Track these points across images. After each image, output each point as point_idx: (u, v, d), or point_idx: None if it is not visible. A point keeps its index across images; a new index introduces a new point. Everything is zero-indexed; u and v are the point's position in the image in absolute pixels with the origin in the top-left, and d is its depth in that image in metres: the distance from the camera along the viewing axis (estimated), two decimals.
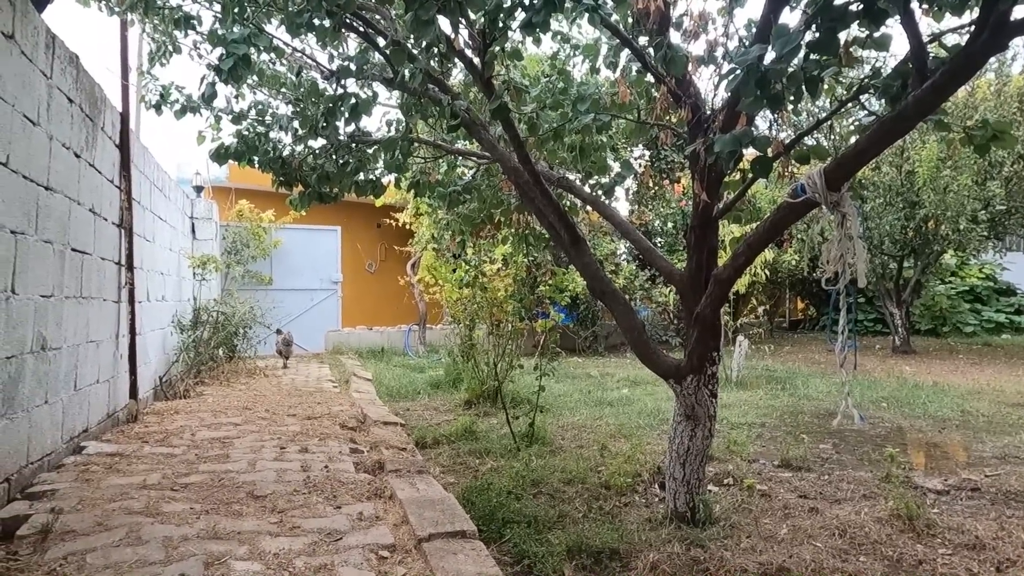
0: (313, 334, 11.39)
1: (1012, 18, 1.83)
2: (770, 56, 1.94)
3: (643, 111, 3.75)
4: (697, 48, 10.15)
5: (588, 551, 3.05)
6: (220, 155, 3.96)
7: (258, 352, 9.49)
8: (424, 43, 2.20)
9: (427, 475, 3.76)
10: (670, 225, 13.25)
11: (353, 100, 3.65)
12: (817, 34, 1.94)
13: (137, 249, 5.72)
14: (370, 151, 4.84)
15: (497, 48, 2.73)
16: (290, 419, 5.30)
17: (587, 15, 2.77)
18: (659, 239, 13.65)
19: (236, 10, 2.87)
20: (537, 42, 2.61)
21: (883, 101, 2.69)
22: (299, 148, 4.66)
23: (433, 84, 3.23)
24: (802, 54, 1.98)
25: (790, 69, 1.90)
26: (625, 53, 3.28)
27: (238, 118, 4.24)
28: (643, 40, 3.40)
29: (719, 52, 2.90)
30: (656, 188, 13.55)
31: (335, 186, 4.71)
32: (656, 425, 5.90)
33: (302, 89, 4.09)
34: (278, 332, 10.00)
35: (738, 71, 1.86)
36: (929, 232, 10.33)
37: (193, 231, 9.29)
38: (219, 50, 3.23)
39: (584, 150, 4.19)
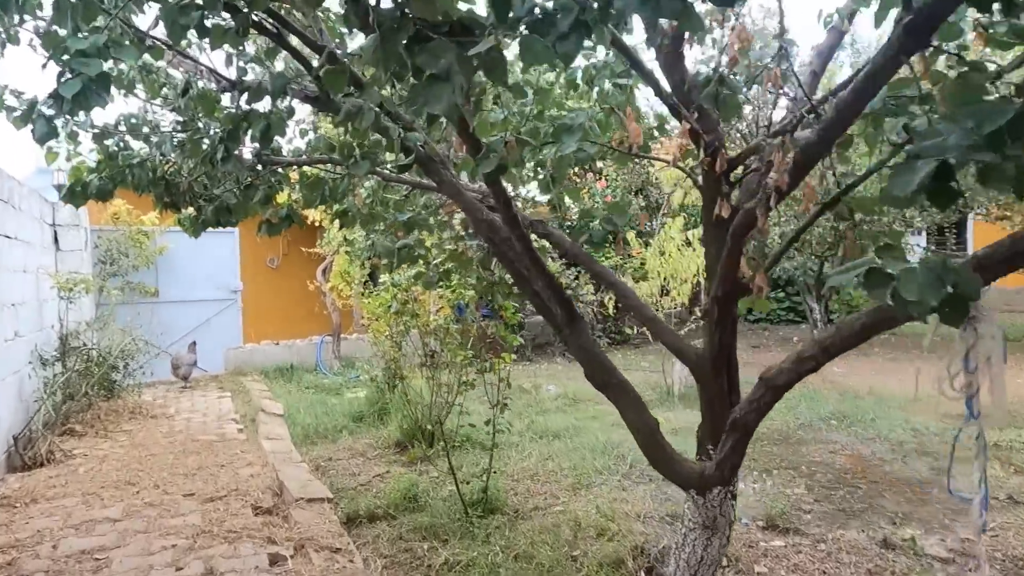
0: (211, 352, 9.91)
1: None
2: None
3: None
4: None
5: None
6: (75, 195, 2.88)
7: (143, 381, 8.12)
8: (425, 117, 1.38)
9: None
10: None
11: (265, 123, 2.72)
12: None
13: None
14: (281, 171, 3.90)
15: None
16: (187, 501, 4.28)
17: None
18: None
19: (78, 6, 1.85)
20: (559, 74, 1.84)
21: None
22: (188, 164, 3.64)
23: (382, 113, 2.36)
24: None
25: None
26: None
27: (101, 136, 3.16)
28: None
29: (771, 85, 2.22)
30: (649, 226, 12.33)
31: (238, 218, 3.75)
32: (614, 467, 5.35)
33: (191, 100, 3.07)
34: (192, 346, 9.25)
35: (920, 164, 1.18)
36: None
37: (56, 241, 7.79)
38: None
39: (556, 179, 3.46)
